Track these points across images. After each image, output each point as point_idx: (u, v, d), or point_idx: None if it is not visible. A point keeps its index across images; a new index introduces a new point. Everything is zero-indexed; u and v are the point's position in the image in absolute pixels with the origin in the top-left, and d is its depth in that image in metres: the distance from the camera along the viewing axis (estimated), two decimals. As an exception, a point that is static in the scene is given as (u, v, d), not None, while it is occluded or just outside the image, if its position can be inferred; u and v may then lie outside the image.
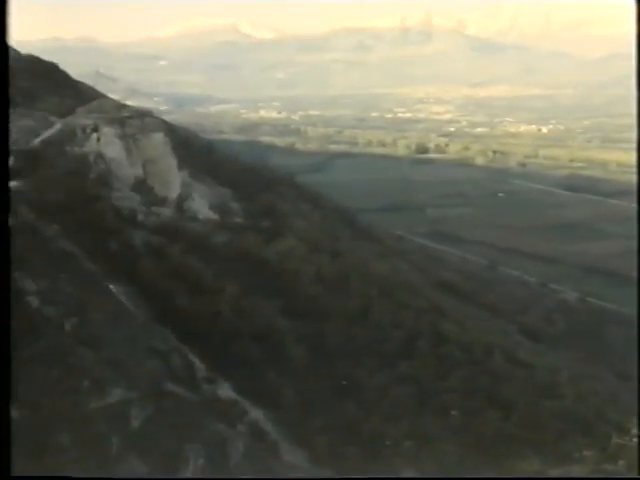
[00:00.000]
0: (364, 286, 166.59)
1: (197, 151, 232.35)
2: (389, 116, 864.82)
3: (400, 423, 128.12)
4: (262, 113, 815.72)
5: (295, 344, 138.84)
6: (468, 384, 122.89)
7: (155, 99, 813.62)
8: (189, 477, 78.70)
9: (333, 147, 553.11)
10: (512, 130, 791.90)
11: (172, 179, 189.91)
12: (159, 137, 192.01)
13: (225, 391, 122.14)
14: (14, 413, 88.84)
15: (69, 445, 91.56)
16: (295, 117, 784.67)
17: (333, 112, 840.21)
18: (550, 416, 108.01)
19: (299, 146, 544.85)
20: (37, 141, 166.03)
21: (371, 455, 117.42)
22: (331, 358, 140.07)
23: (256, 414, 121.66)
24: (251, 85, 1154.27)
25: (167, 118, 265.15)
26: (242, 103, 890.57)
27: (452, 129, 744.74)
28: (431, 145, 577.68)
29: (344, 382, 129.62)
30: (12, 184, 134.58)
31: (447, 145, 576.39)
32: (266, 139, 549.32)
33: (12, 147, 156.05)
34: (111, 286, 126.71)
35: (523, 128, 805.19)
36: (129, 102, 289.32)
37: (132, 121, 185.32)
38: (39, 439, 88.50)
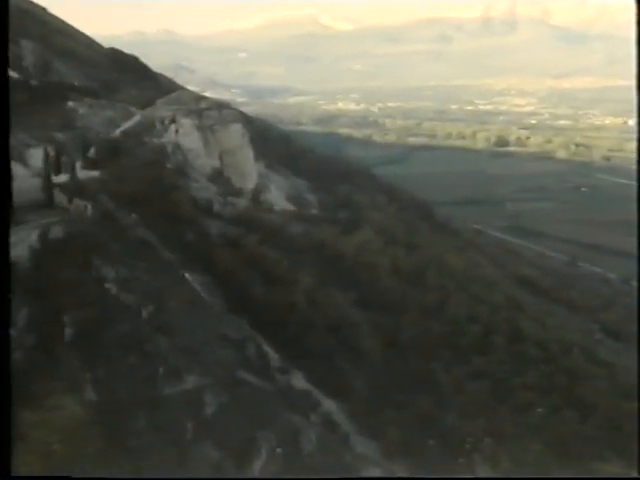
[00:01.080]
0: (440, 279, 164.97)
1: (274, 142, 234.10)
2: (469, 108, 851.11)
3: (475, 419, 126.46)
4: (340, 105, 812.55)
5: (369, 336, 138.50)
6: (545, 382, 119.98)
7: (233, 91, 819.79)
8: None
9: (412, 139, 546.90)
10: (597, 123, 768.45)
11: (249, 170, 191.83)
12: (236, 128, 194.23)
13: (298, 381, 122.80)
14: (92, 395, 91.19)
15: (145, 429, 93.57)
16: (373, 109, 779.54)
17: (412, 104, 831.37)
18: (631, 418, 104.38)
19: (377, 138, 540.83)
20: (117, 132, 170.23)
21: (445, 450, 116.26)
22: (406, 351, 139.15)
23: (329, 405, 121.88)
24: (330, 77, 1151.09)
25: (245, 110, 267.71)
26: (320, 95, 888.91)
27: (534, 122, 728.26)
28: (512, 138, 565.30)
29: (417, 376, 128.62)
30: (93, 174, 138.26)
31: (528, 138, 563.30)
32: (344, 131, 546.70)
33: (93, 138, 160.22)
34: (187, 275, 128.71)
35: (608, 120, 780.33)
36: (207, 94, 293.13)
37: (210, 112, 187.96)
38: (117, 422, 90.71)
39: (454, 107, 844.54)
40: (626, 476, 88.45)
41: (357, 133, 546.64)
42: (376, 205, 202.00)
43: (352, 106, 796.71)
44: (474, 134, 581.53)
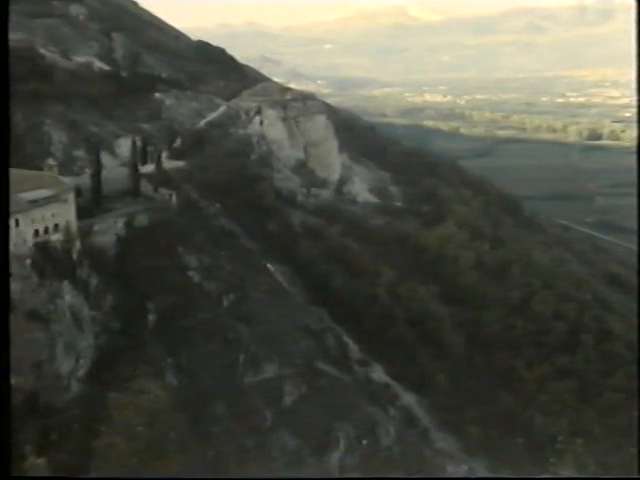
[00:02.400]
0: (526, 275, 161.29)
1: (359, 134, 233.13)
2: (560, 100, 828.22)
3: (559, 419, 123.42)
4: (427, 97, 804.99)
5: (451, 331, 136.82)
6: (634, 384, 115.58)
7: (318, 82, 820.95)
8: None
9: (499, 132, 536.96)
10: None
11: (333, 162, 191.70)
12: (321, 120, 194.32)
13: (378, 374, 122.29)
14: (174, 381, 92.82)
15: (224, 415, 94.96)
16: (461, 101, 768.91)
17: (501, 96, 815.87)
18: None
19: (464, 131, 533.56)
20: (203, 123, 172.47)
21: (528, 449, 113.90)
22: (488, 347, 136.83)
23: (408, 399, 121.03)
24: (416, 68, 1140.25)
25: (330, 101, 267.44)
26: (407, 86, 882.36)
27: (628, 114, 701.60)
28: (605, 131, 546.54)
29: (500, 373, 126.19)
30: (178, 164, 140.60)
31: (623, 131, 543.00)
32: (430, 123, 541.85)
33: (179, 128, 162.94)
34: (269, 265, 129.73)
35: None
36: (292, 85, 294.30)
37: (295, 104, 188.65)
38: (198, 407, 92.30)
39: (544, 99, 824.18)
40: (626, 476, 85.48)
41: (443, 125, 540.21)
42: (461, 198, 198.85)
43: (439, 98, 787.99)
44: (565, 127, 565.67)
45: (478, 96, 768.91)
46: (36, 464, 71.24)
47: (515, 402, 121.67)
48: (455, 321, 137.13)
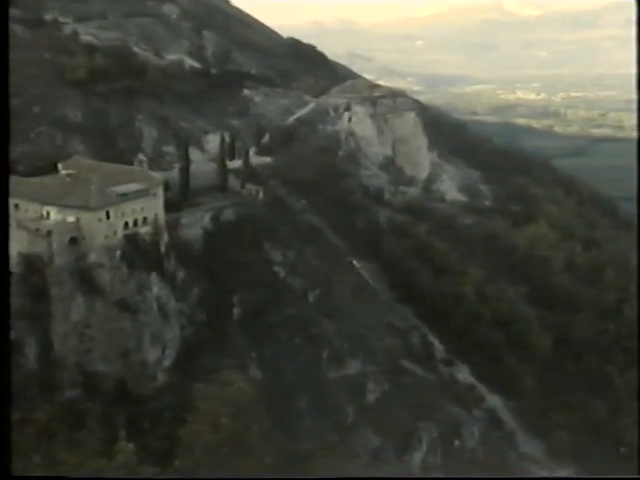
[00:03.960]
0: (620, 279, 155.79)
1: (448, 132, 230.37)
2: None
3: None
4: (519, 94, 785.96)
5: (540, 333, 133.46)
6: None
7: (409, 79, 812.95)
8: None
9: (595, 131, 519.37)
10: None
11: (421, 159, 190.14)
12: (410, 117, 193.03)
13: (463, 374, 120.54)
14: (257, 374, 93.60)
15: (306, 410, 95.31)
16: (555, 98, 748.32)
17: (598, 93, 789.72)
18: None
19: (557, 129, 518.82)
20: (291, 119, 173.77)
21: (618, 458, 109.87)
22: (578, 351, 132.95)
23: (494, 401, 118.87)
24: (511, 64, 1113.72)
25: (420, 98, 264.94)
26: (499, 83, 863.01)
27: None
28: None
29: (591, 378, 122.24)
30: (266, 160, 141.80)
31: None
32: (522, 121, 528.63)
33: (267, 125, 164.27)
34: (354, 261, 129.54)
35: None
36: (383, 82, 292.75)
37: (384, 101, 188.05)
38: (281, 401, 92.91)
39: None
40: (626, 476, 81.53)
41: (536, 123, 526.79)
42: (553, 198, 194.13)
43: (532, 95, 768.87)
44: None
45: (573, 93, 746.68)
46: (126, 448, 73.06)
47: (606, 409, 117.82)
48: (544, 323, 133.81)
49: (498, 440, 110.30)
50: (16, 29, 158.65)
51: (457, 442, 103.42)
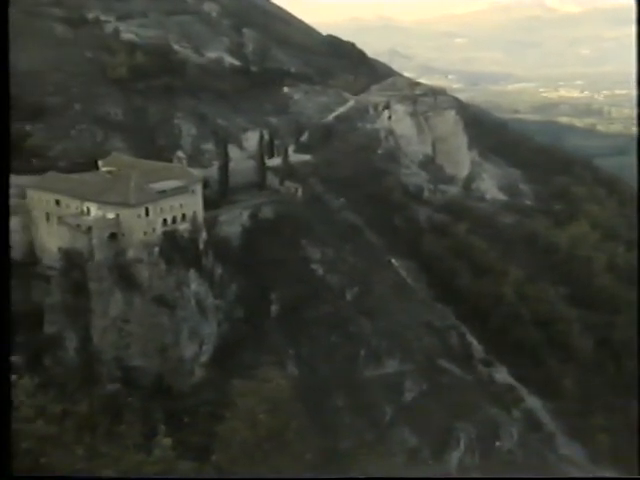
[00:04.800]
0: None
1: (489, 130, 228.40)
2: None
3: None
4: (562, 92, 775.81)
5: (581, 334, 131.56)
6: None
7: (449, 77, 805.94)
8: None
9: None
10: None
11: (461, 158, 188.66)
12: (451, 115, 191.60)
13: (502, 375, 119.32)
14: (294, 371, 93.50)
15: (343, 408, 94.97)
16: (598, 97, 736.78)
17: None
18: None
19: (601, 127, 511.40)
20: (330, 117, 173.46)
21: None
22: (619, 352, 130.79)
23: (533, 402, 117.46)
24: (553, 62, 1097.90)
25: (461, 96, 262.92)
26: (541, 81, 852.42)
27: None
28: None
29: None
30: (304, 157, 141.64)
31: None
32: (564, 119, 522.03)
33: (306, 122, 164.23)
34: (393, 260, 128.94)
35: None
36: (423, 80, 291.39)
37: (424, 99, 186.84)
38: (318, 399, 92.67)
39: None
40: (626, 476, 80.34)
41: (579, 122, 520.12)
42: (595, 197, 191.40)
43: (575, 93, 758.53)
44: None
45: (617, 91, 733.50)
46: (164, 443, 73.47)
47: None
48: (585, 324, 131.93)
49: (537, 442, 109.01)
50: (58, 28, 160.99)
51: (492, 443, 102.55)
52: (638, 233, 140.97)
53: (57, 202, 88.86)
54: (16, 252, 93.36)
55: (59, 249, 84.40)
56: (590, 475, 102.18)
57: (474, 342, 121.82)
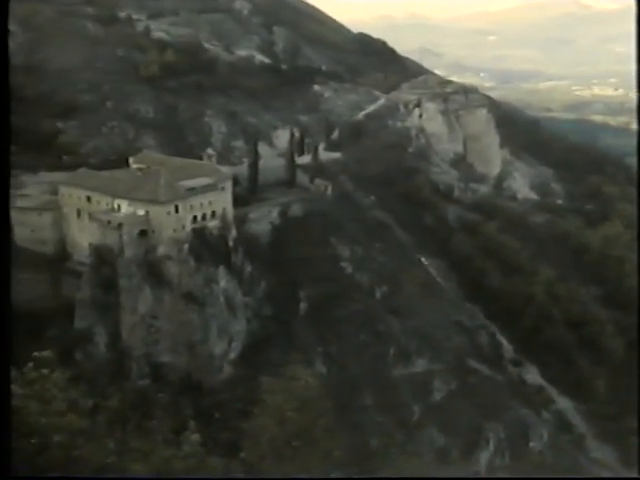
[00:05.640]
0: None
1: (521, 129, 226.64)
2: None
3: None
4: (595, 90, 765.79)
5: (614, 336, 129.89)
6: None
7: (481, 75, 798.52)
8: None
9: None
10: None
11: (493, 156, 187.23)
12: (482, 114, 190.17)
13: (532, 376, 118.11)
14: (322, 369, 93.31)
15: (371, 406, 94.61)
16: (633, 95, 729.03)
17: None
18: None
19: (635, 126, 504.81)
20: (361, 115, 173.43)
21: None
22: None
23: (564, 404, 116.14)
24: (587, 60, 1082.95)
25: (492, 94, 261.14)
26: (575, 79, 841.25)
27: None
28: None
29: None
30: (334, 155, 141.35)
31: None
32: (598, 118, 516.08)
33: (337, 120, 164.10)
34: (422, 258, 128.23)
35: None
36: (454, 78, 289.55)
37: (455, 97, 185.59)
38: (346, 397, 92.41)
39: None
40: (626, 476, 79.21)
41: (612, 121, 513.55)
42: (628, 197, 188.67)
43: (609, 91, 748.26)
44: None
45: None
46: (192, 439, 73.63)
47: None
48: (617, 326, 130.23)
49: (567, 444, 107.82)
50: (91, 27, 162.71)
51: (528, 444, 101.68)
52: (638, 232, 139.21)
53: (88, 199, 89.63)
54: (48, 248, 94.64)
55: (90, 245, 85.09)
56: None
57: (504, 342, 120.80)
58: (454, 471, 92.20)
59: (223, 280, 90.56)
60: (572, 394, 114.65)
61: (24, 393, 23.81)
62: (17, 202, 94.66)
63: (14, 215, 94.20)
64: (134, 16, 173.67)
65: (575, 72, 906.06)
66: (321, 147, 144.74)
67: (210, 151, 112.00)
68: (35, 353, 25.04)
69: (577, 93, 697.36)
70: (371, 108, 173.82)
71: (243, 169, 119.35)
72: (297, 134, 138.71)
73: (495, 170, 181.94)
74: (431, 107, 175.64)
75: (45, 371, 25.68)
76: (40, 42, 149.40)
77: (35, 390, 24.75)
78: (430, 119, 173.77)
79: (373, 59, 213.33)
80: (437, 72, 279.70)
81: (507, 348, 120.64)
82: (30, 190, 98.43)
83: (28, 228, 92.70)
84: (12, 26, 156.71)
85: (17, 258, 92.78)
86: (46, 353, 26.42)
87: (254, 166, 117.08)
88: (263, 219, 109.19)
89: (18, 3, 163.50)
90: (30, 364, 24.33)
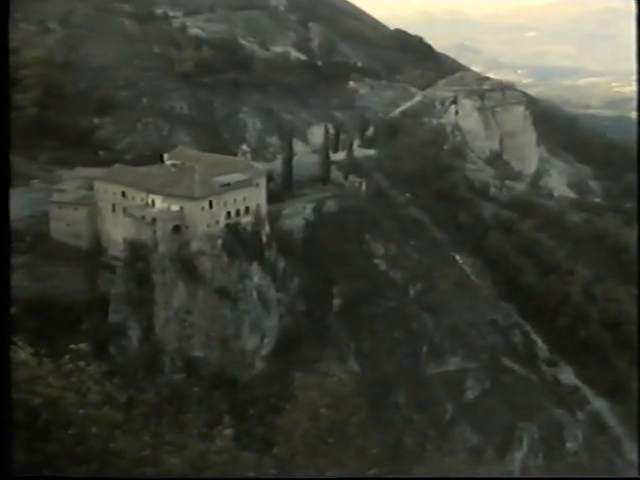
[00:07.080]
0: None
1: (559, 126, 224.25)
2: None
3: None
4: (636, 86, 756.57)
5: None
6: None
7: (519, 71, 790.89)
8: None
9: None
10: None
11: (529, 154, 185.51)
12: (519, 111, 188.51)
13: (567, 376, 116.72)
14: (355, 366, 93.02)
15: (404, 404, 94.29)
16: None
17: None
18: None
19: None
20: (396, 112, 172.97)
21: None
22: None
23: (599, 405, 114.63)
24: (628, 56, 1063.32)
25: (530, 91, 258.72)
26: (615, 75, 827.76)
27: None
28: None
29: None
30: (369, 152, 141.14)
31: None
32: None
33: (372, 117, 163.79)
34: (457, 256, 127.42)
35: None
36: (492, 74, 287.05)
37: (492, 94, 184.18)
38: (380, 394, 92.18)
39: None
40: (626, 476, 77.41)
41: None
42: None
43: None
44: None
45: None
46: (225, 434, 74.06)
47: None
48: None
49: (603, 445, 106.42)
50: (128, 24, 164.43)
51: (561, 444, 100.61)
52: (638, 229, 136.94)
53: (123, 194, 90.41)
54: (82, 242, 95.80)
55: (124, 240, 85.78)
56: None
57: (539, 341, 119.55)
58: (488, 471, 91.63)
59: (256, 276, 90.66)
60: (608, 395, 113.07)
61: (61, 385, 24.08)
62: (54, 196, 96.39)
63: (51, 209, 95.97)
64: (170, 13, 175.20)
65: (615, 68, 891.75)
66: (356, 144, 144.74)
67: (245, 147, 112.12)
68: (72, 345, 25.30)
69: (617, 89, 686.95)
70: (407, 105, 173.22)
71: (277, 165, 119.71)
72: (332, 131, 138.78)
73: (531, 168, 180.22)
74: (467, 104, 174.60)
75: (82, 363, 25.91)
76: (79, 39, 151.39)
77: (72, 382, 25.00)
78: (466, 116, 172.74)
79: (409, 56, 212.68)
80: (475, 69, 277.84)
81: (541, 347, 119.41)
82: (66, 185, 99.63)
83: (64, 222, 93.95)
84: (51, 24, 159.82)
85: (53, 251, 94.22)
86: (82, 346, 26.65)
87: (288, 162, 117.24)
88: (297, 215, 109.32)
89: (57, 1, 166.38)
90: (67, 356, 24.61)
